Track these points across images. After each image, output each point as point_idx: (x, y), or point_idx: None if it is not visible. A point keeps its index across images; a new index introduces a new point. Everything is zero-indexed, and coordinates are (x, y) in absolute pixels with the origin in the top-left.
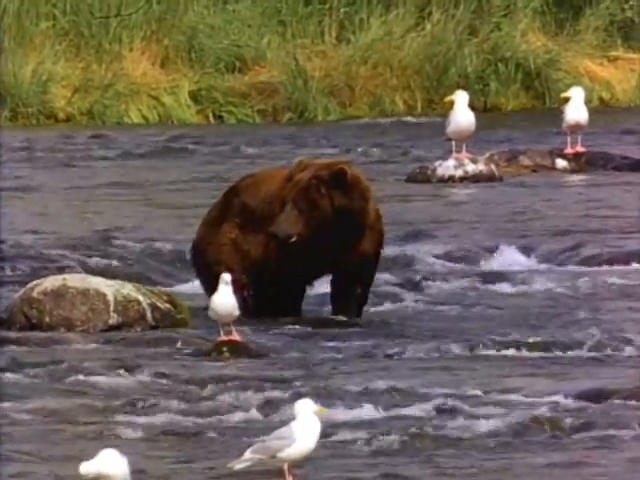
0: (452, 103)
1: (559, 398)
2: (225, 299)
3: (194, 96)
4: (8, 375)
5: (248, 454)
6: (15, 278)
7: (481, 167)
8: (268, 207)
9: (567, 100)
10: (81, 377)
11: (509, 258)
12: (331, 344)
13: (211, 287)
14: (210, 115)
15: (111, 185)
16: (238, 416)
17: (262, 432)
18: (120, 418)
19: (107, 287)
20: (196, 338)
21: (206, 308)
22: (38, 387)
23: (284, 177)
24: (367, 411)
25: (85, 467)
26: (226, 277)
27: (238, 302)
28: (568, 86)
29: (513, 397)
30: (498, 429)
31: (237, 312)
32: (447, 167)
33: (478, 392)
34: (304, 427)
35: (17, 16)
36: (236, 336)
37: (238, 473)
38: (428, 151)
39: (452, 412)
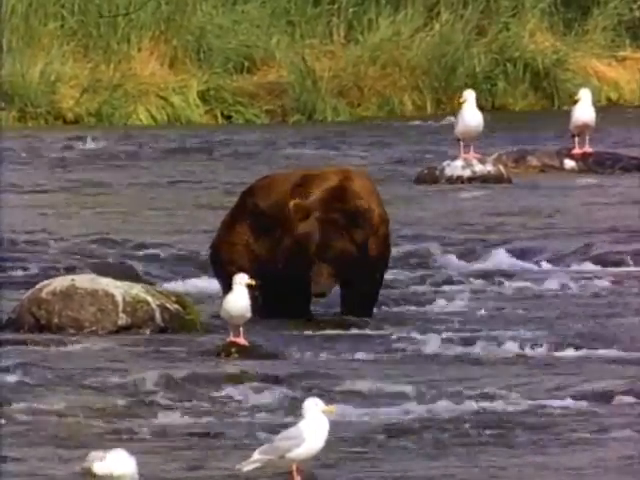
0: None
1: (562, 398)
2: (238, 300)
3: (203, 96)
4: (16, 376)
5: (256, 455)
6: (23, 278)
7: (489, 167)
8: (277, 212)
9: (577, 102)
10: (89, 378)
11: (517, 258)
12: (340, 344)
13: (226, 286)
14: (219, 115)
15: (120, 185)
16: (246, 416)
17: (271, 432)
18: (128, 419)
19: (116, 288)
20: (205, 339)
21: (215, 309)
22: (46, 388)
23: (292, 184)
24: (376, 411)
25: (95, 467)
26: (240, 278)
27: (250, 303)
28: (576, 86)
29: (519, 396)
30: (503, 428)
31: (249, 313)
32: (455, 167)
33: (484, 391)
34: (313, 427)
35: (25, 16)
36: (243, 340)
37: (246, 473)
38: (436, 151)
39: (459, 411)
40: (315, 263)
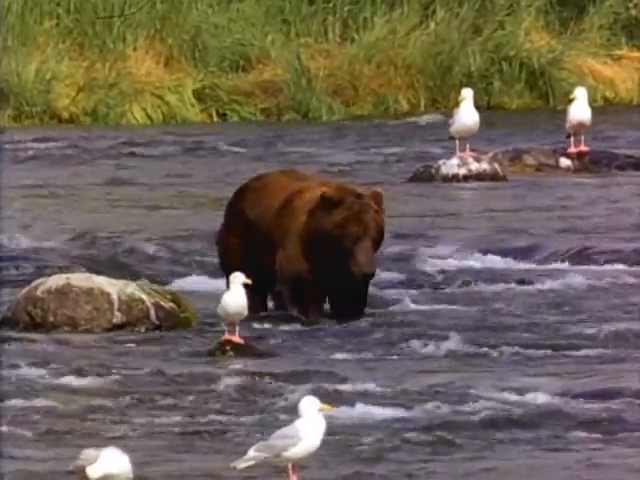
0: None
1: (560, 397)
2: (234, 298)
3: (198, 95)
4: (12, 374)
5: (252, 453)
6: (19, 277)
7: (485, 166)
8: (265, 226)
9: (573, 101)
10: (85, 376)
11: (512, 257)
12: (336, 343)
13: (227, 282)
14: (214, 114)
15: (115, 184)
16: (241, 414)
17: (266, 431)
18: (122, 416)
19: (111, 286)
20: (200, 337)
21: (210, 307)
22: (42, 386)
23: (281, 201)
24: (370, 410)
25: (89, 465)
26: (237, 276)
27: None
28: (572, 85)
29: (516, 396)
30: (500, 427)
31: (246, 312)
32: (451, 166)
33: (480, 391)
34: (309, 425)
35: (21, 15)
36: (238, 338)
37: (240, 471)
38: (432, 150)
39: (453, 411)
40: (360, 244)
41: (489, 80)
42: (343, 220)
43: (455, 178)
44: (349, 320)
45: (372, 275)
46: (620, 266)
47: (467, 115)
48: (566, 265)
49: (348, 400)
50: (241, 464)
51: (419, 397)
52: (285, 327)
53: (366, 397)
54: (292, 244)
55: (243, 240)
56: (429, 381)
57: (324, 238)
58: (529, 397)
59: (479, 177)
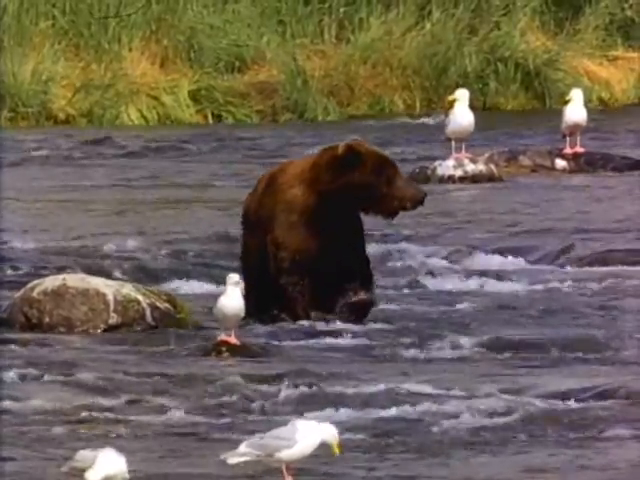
0: (454, 102)
1: (557, 397)
2: (231, 300)
3: (193, 96)
4: (8, 375)
5: (244, 448)
6: (15, 278)
7: (481, 167)
8: (252, 212)
9: (568, 102)
10: (81, 377)
11: (508, 258)
12: (332, 344)
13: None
14: (209, 115)
15: (111, 185)
16: (237, 416)
17: (261, 431)
18: (120, 418)
19: (107, 287)
20: (196, 338)
21: (207, 308)
22: (38, 387)
23: (264, 182)
24: (366, 411)
25: (85, 467)
26: (233, 278)
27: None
28: (567, 86)
29: (512, 397)
30: (496, 429)
31: (242, 314)
32: (447, 167)
33: (477, 392)
34: (306, 429)
35: (17, 15)
36: (234, 339)
37: (235, 471)
38: (428, 151)
39: (451, 412)
40: (398, 179)
41: (485, 81)
42: (375, 165)
43: (451, 179)
44: (346, 320)
45: (423, 199)
46: (615, 267)
47: (462, 116)
48: (562, 266)
49: (343, 401)
50: (232, 458)
51: (416, 398)
52: (282, 327)
53: (361, 398)
54: (281, 225)
55: (245, 239)
56: (426, 382)
57: (357, 190)
58: (527, 398)
59: (475, 178)
